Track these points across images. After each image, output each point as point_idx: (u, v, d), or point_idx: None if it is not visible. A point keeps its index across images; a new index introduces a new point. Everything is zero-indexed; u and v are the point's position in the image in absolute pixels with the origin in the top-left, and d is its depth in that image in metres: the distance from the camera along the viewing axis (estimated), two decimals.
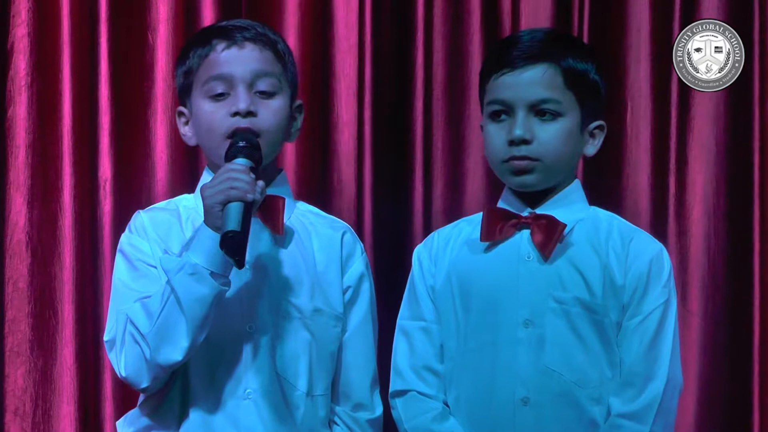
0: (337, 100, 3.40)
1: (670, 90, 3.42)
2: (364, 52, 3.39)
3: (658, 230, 3.38)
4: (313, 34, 3.38)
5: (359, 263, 2.73)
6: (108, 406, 3.31)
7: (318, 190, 3.36)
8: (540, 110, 2.62)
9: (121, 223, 3.29)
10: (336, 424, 2.69)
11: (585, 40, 3.39)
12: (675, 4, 3.42)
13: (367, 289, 2.73)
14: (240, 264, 2.47)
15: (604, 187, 3.42)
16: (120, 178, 3.36)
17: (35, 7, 3.33)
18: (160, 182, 3.36)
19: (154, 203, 3.28)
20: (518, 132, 2.61)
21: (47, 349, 3.31)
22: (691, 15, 3.40)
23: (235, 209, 2.47)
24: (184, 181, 3.36)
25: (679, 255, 3.42)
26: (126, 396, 3.27)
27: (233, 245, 2.44)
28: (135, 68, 3.38)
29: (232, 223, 2.45)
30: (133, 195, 3.36)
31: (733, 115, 3.44)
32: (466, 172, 3.42)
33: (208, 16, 3.37)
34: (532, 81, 2.61)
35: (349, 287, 2.71)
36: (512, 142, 2.61)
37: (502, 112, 2.64)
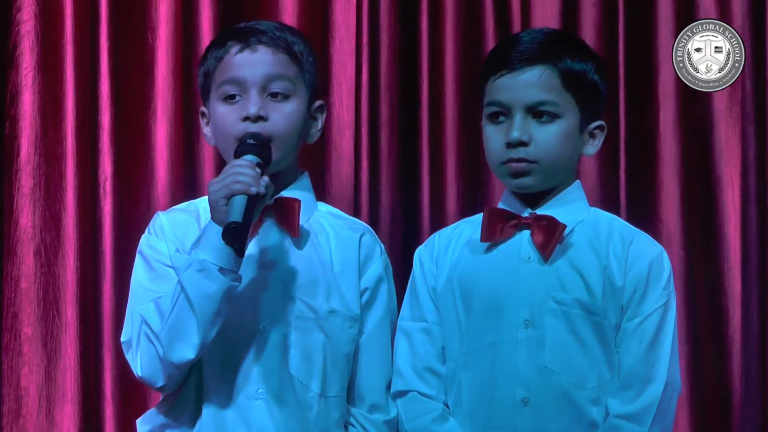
0: (338, 102, 3.40)
1: (696, 89, 3.42)
2: (362, 54, 3.39)
3: (688, 230, 3.41)
4: (312, 36, 3.38)
5: (378, 265, 2.72)
6: (108, 407, 3.31)
7: (318, 192, 3.35)
8: (537, 112, 2.61)
9: (121, 222, 3.32)
10: (352, 425, 2.68)
11: (619, 38, 3.43)
12: (696, 2, 3.44)
13: (385, 292, 2.72)
14: (240, 252, 2.48)
15: (634, 186, 3.43)
16: (120, 177, 3.36)
17: (38, 5, 3.33)
18: (160, 181, 3.37)
19: (154, 202, 3.32)
20: (515, 134, 2.60)
21: (50, 349, 3.31)
22: (710, 10, 3.42)
23: (238, 202, 2.48)
24: (183, 180, 3.37)
25: (706, 254, 3.44)
26: (126, 397, 3.28)
27: (234, 235, 2.45)
28: (135, 68, 3.39)
29: (234, 215, 2.46)
30: (133, 194, 3.37)
31: (756, 114, 3.44)
32: (482, 173, 3.43)
33: (207, 16, 3.37)
34: (529, 83, 2.61)
35: (366, 289, 2.70)
36: (509, 145, 2.61)
37: (500, 113, 2.63)
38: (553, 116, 2.62)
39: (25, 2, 3.32)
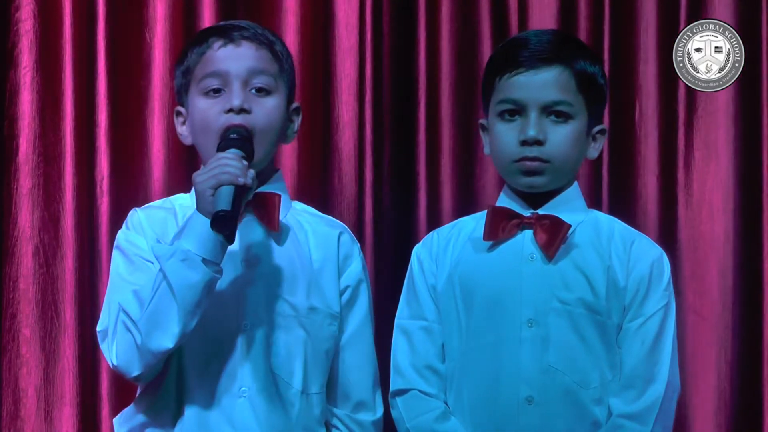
0: (337, 100, 3.40)
1: (677, 90, 3.43)
2: (365, 52, 3.39)
3: (667, 230, 3.42)
4: (314, 34, 3.38)
5: (357, 264, 2.73)
6: (105, 408, 3.30)
7: (319, 191, 3.36)
8: (552, 112, 2.62)
9: (118, 221, 3.28)
10: (336, 427, 2.69)
11: (605, 39, 3.45)
12: (681, 4, 3.44)
13: (365, 290, 2.73)
14: (230, 239, 2.47)
15: (613, 187, 3.43)
16: (116, 176, 3.35)
17: (36, 4, 3.32)
18: (157, 181, 3.36)
19: (151, 201, 3.29)
20: (532, 132, 2.61)
21: (48, 351, 3.30)
22: (697, 15, 3.41)
23: (226, 191, 2.48)
24: (180, 179, 3.35)
25: (688, 255, 3.44)
26: (124, 399, 3.25)
27: (223, 222, 2.45)
28: (132, 66, 3.37)
29: (223, 203, 2.46)
30: (130, 193, 3.35)
31: (741, 114, 3.45)
32: (478, 171, 3.43)
33: (206, 15, 3.37)
34: (546, 82, 2.62)
35: (347, 287, 2.71)
36: (525, 143, 2.61)
37: (514, 111, 2.64)
38: (567, 117, 2.63)
39: (24, 1, 3.31)
